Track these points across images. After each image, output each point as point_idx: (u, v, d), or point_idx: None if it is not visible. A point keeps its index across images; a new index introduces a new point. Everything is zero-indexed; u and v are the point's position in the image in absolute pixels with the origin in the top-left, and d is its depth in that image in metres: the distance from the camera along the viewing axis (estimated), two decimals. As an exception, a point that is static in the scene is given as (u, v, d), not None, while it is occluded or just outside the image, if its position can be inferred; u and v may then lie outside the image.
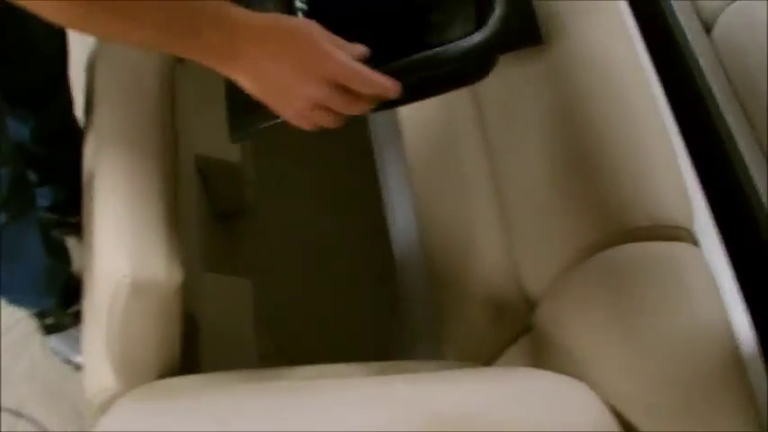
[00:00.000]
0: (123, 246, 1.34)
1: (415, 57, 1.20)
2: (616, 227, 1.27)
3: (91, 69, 1.66)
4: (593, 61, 1.42)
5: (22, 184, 1.93)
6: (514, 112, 1.46)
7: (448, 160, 1.65)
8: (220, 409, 1.17)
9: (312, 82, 1.08)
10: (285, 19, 1.10)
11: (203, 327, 1.70)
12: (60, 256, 2.18)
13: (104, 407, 1.55)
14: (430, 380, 1.25)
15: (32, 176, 2.26)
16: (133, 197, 1.39)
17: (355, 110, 1.12)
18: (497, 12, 1.22)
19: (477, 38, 1.21)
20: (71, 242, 2.26)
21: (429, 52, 1.20)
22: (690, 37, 1.66)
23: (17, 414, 2.24)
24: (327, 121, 1.14)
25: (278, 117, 1.15)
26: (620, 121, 1.35)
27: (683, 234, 1.29)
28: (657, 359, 1.16)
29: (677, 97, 1.50)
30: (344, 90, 1.10)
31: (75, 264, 2.23)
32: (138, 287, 1.32)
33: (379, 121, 1.91)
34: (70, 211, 2.24)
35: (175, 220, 1.40)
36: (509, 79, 1.47)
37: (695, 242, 1.32)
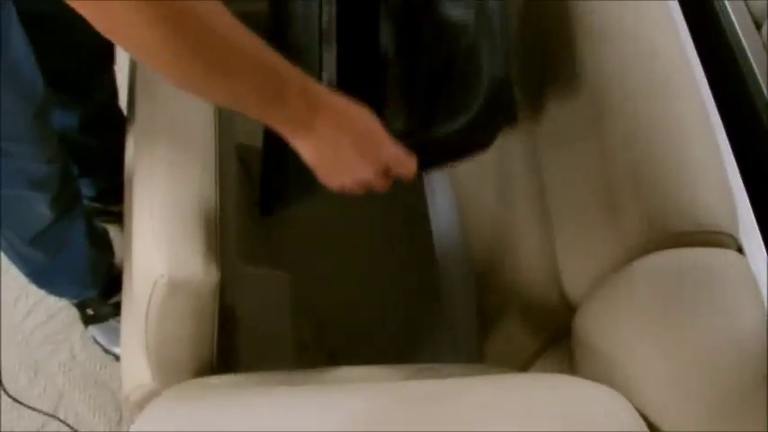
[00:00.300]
0: (160, 245, 1.33)
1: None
2: (659, 231, 1.24)
3: (134, 61, 1.66)
4: (640, 60, 1.39)
5: (70, 180, 1.95)
6: (560, 112, 1.45)
7: (489, 158, 1.63)
8: (252, 409, 1.17)
9: (367, 164, 1.20)
10: (354, 103, 1.18)
11: (241, 318, 1.69)
12: (103, 246, 2.19)
13: (141, 403, 1.56)
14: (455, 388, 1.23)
15: (76, 167, 2.27)
16: (172, 194, 1.39)
17: (387, 186, 1.26)
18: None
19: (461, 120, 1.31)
20: (114, 231, 2.26)
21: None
22: (741, 35, 1.63)
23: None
24: (361, 191, 1.25)
25: (310, 199, 1.32)
26: (666, 123, 1.33)
27: (727, 240, 1.27)
28: (697, 372, 1.14)
29: (726, 97, 1.48)
30: (386, 171, 1.23)
31: (117, 254, 2.24)
32: (175, 287, 1.32)
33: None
34: (113, 200, 2.25)
35: (215, 218, 1.39)
36: (555, 81, 1.45)
37: (740, 249, 1.30)
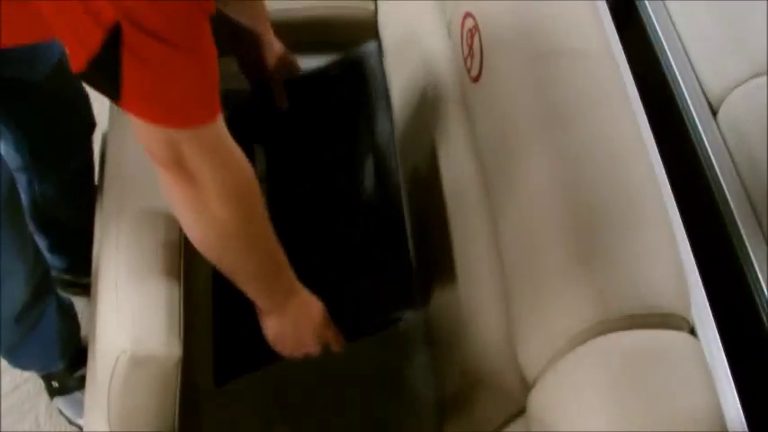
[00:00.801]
0: (123, 320, 1.35)
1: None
2: (612, 313, 1.26)
3: (105, 138, 1.68)
4: (600, 143, 1.42)
5: (41, 261, 1.99)
6: (516, 182, 1.47)
7: (450, 221, 1.67)
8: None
9: (317, 340, 1.53)
10: (312, 296, 1.51)
11: (206, 393, 1.70)
12: (71, 319, 2.20)
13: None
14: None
15: (47, 240, 2.29)
16: (136, 270, 1.40)
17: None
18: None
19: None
20: (82, 303, 2.27)
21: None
22: (697, 119, 1.67)
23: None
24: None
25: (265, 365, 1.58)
26: (621, 203, 1.36)
27: (679, 322, 1.29)
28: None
29: (680, 178, 1.51)
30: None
31: (84, 327, 2.24)
32: (137, 362, 1.33)
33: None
34: (83, 272, 2.26)
35: (179, 293, 1.41)
36: (515, 148, 1.48)
37: (692, 330, 1.32)
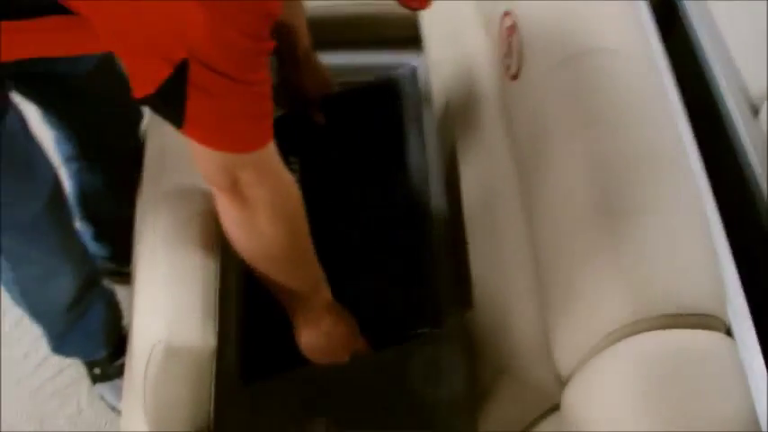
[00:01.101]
0: (160, 311, 1.36)
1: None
2: (647, 313, 1.26)
3: (146, 130, 1.70)
4: (636, 143, 1.42)
5: (88, 258, 2.08)
6: (549, 181, 1.47)
7: (485, 217, 1.68)
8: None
9: (347, 351, 1.61)
10: (344, 311, 1.59)
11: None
12: (116, 309, 2.23)
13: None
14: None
15: (93, 228, 2.32)
16: (174, 261, 1.42)
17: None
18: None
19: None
20: (124, 292, 2.29)
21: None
22: (737, 119, 1.66)
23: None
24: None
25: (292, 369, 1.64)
26: (657, 203, 1.35)
27: (714, 323, 1.28)
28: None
29: (720, 179, 1.50)
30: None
31: (126, 316, 2.27)
32: (172, 353, 1.35)
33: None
34: (127, 261, 2.29)
35: (215, 286, 1.42)
36: (550, 147, 1.48)
37: (728, 331, 1.31)
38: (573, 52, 1.52)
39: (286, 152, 1.76)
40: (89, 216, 2.30)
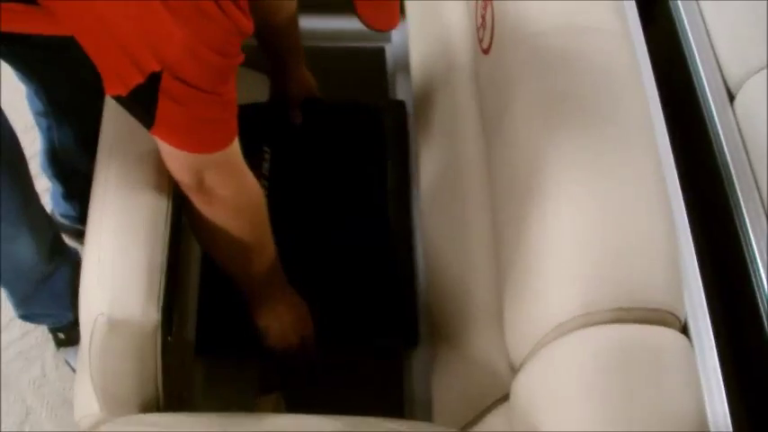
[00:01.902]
0: (103, 284, 1.34)
1: None
2: (599, 305, 1.23)
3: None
4: (602, 119, 1.38)
5: (56, 245, 2.06)
6: (514, 159, 1.44)
7: (454, 197, 1.65)
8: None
9: (298, 335, 1.70)
10: (301, 300, 1.71)
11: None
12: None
13: (89, 430, 1.56)
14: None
15: (62, 187, 2.29)
16: (120, 235, 1.38)
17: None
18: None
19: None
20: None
21: None
22: (712, 102, 1.63)
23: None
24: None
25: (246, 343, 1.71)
26: (619, 190, 1.32)
27: (669, 319, 1.25)
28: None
29: (689, 163, 1.47)
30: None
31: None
32: (114, 326, 1.32)
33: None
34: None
35: (161, 260, 1.39)
36: (515, 125, 1.45)
37: (682, 328, 1.28)
38: (543, 28, 1.49)
39: (260, 140, 1.92)
40: (59, 174, 2.28)
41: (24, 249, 1.93)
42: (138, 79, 1.16)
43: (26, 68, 1.94)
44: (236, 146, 1.35)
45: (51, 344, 2.32)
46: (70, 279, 2.10)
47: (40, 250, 1.96)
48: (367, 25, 1.31)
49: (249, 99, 1.99)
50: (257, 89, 2.09)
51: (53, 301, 2.14)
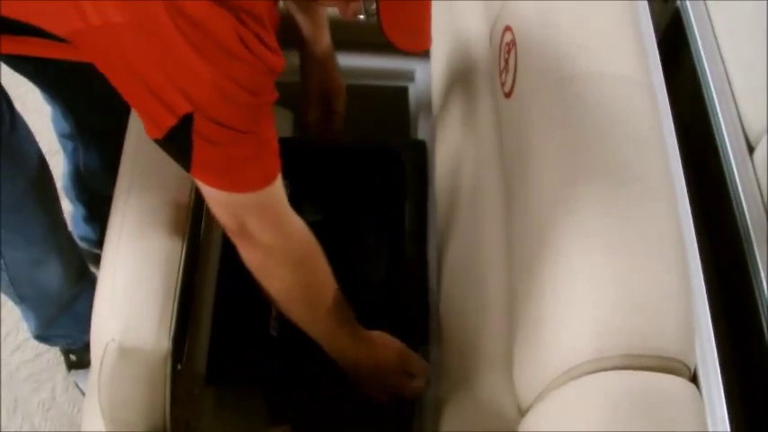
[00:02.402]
0: (116, 310, 1.35)
1: None
2: (609, 351, 1.23)
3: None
4: (619, 172, 1.38)
5: (81, 269, 2.09)
6: (530, 203, 1.44)
7: (470, 248, 1.64)
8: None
9: (397, 372, 1.64)
10: (388, 338, 1.65)
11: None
12: None
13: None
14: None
15: (84, 210, 2.30)
16: (136, 261, 1.39)
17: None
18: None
19: None
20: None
21: None
22: (731, 154, 1.63)
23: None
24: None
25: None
26: (636, 239, 1.31)
27: (679, 367, 1.25)
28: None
29: (708, 214, 1.47)
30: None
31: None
32: (125, 352, 1.33)
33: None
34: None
35: (175, 287, 1.40)
36: (533, 171, 1.45)
37: (693, 377, 1.28)
38: (566, 74, 1.48)
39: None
40: (82, 196, 2.30)
41: (52, 274, 1.94)
42: (172, 121, 1.16)
43: (53, 89, 1.97)
44: (278, 188, 1.34)
45: (62, 366, 2.33)
46: (91, 305, 2.11)
47: (67, 274, 1.97)
48: (397, 46, 1.30)
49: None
50: (281, 124, 2.10)
51: (75, 323, 2.15)
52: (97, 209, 2.33)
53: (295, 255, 1.42)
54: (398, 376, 1.64)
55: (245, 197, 1.29)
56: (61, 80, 1.92)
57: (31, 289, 2.00)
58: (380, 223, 1.94)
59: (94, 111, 2.02)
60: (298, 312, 1.50)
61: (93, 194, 2.30)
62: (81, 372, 2.29)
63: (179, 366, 1.52)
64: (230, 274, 1.74)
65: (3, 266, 1.90)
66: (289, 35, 1.69)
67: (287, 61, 2.01)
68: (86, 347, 2.21)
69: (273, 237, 1.36)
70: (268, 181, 1.30)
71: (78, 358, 2.29)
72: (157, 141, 1.22)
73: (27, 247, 1.87)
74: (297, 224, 1.42)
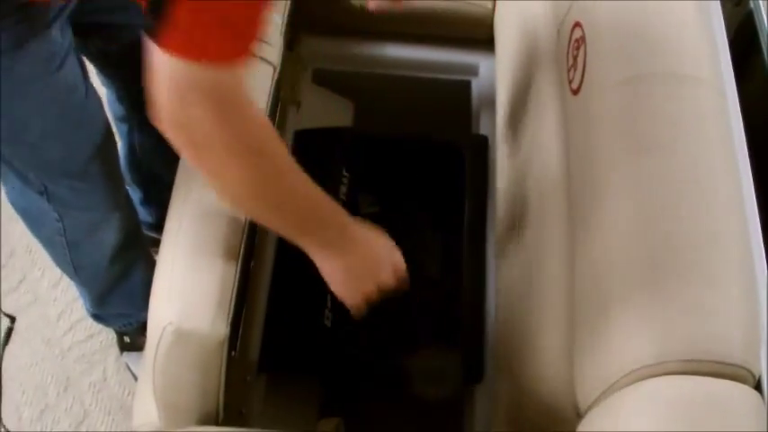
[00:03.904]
0: (174, 294, 1.34)
1: None
2: (672, 355, 1.21)
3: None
4: (687, 176, 1.36)
5: (133, 212, 2.08)
6: (596, 206, 1.42)
7: (530, 245, 1.64)
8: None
9: (387, 270, 1.46)
10: (374, 228, 1.46)
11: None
12: None
13: (146, 438, 1.57)
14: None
15: (140, 193, 2.31)
16: (196, 245, 1.39)
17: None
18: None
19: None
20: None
21: None
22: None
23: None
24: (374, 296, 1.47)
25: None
26: (701, 242, 1.29)
27: (743, 374, 1.22)
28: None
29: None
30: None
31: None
32: (182, 336, 1.33)
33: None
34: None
35: (235, 270, 1.39)
36: (601, 171, 1.43)
37: (757, 386, 1.25)
38: (636, 73, 1.46)
39: (340, 163, 1.92)
40: (138, 179, 2.31)
41: (110, 233, 1.94)
42: None
43: (113, 69, 1.97)
44: (242, 76, 1.17)
45: (114, 349, 2.34)
46: (145, 279, 2.11)
47: (123, 234, 1.97)
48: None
49: (333, 123, 2.00)
50: (342, 114, 2.10)
51: (127, 300, 2.16)
52: (153, 192, 2.34)
53: (247, 147, 1.21)
54: (386, 272, 1.48)
55: (203, 73, 1.13)
56: (122, 60, 1.92)
57: (87, 256, 2.01)
58: (438, 219, 1.93)
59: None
60: (261, 213, 1.33)
61: (149, 176, 2.31)
62: (133, 354, 2.29)
63: (233, 353, 1.51)
64: (286, 263, 1.74)
65: (63, 231, 1.92)
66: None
67: (347, 51, 2.03)
68: (140, 330, 2.22)
69: (219, 126, 1.16)
70: (237, 54, 1.15)
71: (132, 340, 2.29)
72: (146, 18, 1.12)
73: (88, 209, 1.90)
74: (252, 109, 1.23)
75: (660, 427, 1.16)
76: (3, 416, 2.26)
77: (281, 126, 1.92)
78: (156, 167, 2.23)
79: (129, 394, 2.29)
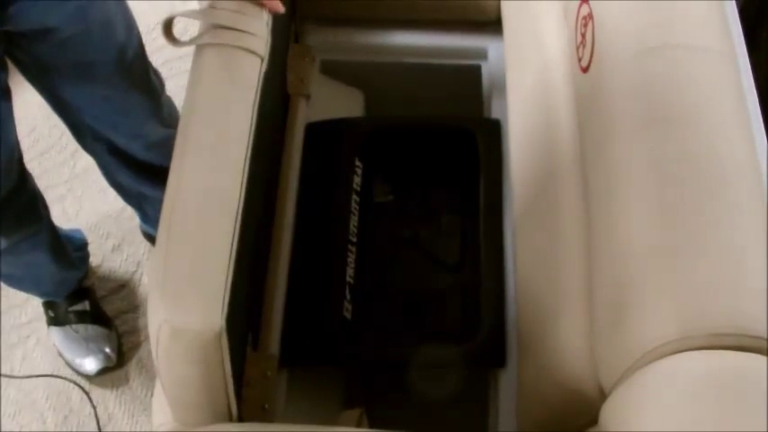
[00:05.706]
0: (167, 291, 1.32)
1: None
2: (694, 330, 1.19)
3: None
4: (704, 148, 1.34)
5: (30, 201, 1.98)
6: (611, 183, 1.41)
7: (547, 228, 1.62)
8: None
9: None
10: None
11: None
12: (68, 264, 2.25)
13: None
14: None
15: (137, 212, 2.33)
16: (187, 236, 1.37)
17: None
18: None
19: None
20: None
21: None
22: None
23: None
24: None
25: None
26: (718, 216, 1.28)
27: (765, 347, 1.20)
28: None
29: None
30: None
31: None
32: (176, 334, 1.31)
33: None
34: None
35: (227, 262, 1.37)
36: (615, 147, 1.42)
37: (781, 357, 1.23)
38: (646, 47, 1.45)
39: (353, 153, 1.92)
40: (126, 200, 2.36)
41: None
42: None
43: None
44: None
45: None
46: (51, 270, 2.16)
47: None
48: None
49: (344, 114, 1.99)
50: (353, 104, 2.09)
51: (35, 285, 2.23)
52: (150, 210, 2.35)
53: None
54: None
55: None
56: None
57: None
58: (454, 204, 1.92)
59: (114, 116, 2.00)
60: None
61: (136, 196, 2.29)
62: (57, 329, 2.35)
63: (254, 351, 1.50)
64: (303, 257, 1.73)
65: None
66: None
67: (360, 41, 2.02)
68: (65, 303, 2.32)
69: None
70: None
71: (56, 314, 2.35)
72: None
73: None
74: None
75: (687, 401, 1.15)
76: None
77: (291, 120, 1.91)
78: (132, 185, 2.21)
79: (151, 396, 2.29)
